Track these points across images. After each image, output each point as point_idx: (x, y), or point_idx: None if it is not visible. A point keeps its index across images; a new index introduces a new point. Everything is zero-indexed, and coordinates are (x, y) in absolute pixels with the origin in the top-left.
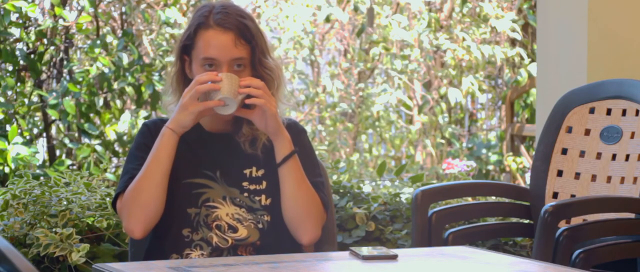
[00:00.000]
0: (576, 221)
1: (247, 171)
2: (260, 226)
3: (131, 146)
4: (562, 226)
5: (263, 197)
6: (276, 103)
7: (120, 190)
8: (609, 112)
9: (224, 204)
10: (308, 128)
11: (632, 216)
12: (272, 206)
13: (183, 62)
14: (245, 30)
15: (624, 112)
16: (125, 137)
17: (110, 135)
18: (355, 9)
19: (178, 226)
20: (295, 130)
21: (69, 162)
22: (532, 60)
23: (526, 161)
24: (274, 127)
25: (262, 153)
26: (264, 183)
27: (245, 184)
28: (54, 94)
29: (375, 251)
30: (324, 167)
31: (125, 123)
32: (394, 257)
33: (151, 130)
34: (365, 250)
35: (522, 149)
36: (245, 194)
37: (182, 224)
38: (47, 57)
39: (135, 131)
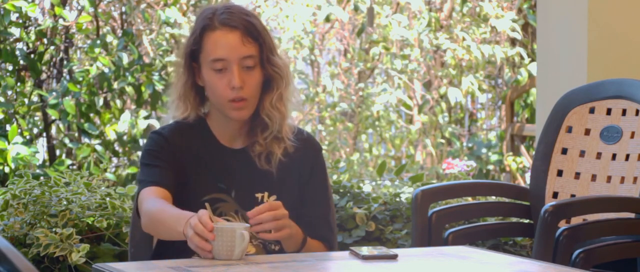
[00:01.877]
0: (576, 220)
1: (259, 195)
2: (269, 248)
3: (145, 154)
4: (562, 225)
5: None
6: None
7: (147, 176)
8: (609, 112)
9: (236, 218)
10: (308, 128)
11: (632, 216)
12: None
13: (193, 70)
14: (251, 28)
15: (624, 112)
16: (125, 137)
17: (110, 135)
18: (356, 9)
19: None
20: (312, 148)
21: (69, 162)
22: (532, 60)
23: (526, 160)
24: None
25: (278, 172)
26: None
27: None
28: (54, 93)
29: (375, 250)
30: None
31: (125, 123)
32: (394, 257)
33: (167, 138)
34: (365, 250)
35: (522, 148)
36: None
37: None
38: (47, 57)
39: (135, 131)
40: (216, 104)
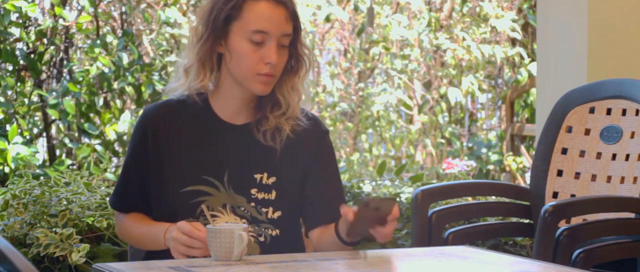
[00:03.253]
0: (576, 220)
1: (257, 176)
2: (261, 239)
3: (130, 140)
4: (562, 225)
5: (271, 209)
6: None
7: (117, 199)
8: (609, 112)
9: (224, 213)
10: None
11: (632, 215)
12: (280, 220)
13: (219, 36)
14: (294, 7)
15: (624, 112)
16: (125, 137)
17: (110, 135)
18: (356, 9)
19: None
20: (319, 130)
21: (69, 162)
22: (532, 60)
23: (526, 160)
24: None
25: (281, 150)
26: (274, 193)
27: (253, 191)
28: (54, 93)
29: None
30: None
31: (125, 123)
32: (394, 200)
33: (148, 130)
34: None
35: (522, 148)
36: (253, 204)
37: None
38: (47, 57)
39: None
40: (239, 74)
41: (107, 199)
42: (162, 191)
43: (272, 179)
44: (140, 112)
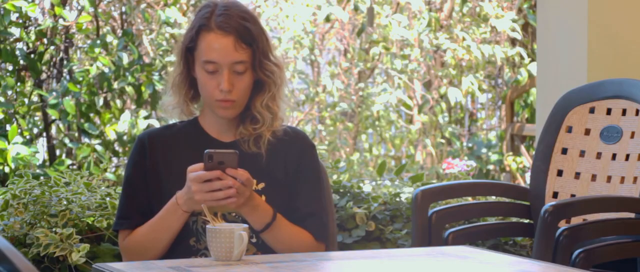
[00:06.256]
0: (576, 220)
1: None
2: (253, 240)
3: (127, 163)
4: (562, 225)
5: None
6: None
7: (122, 219)
8: (609, 112)
9: (215, 219)
10: (308, 128)
11: (632, 215)
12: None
13: (188, 62)
14: (246, 33)
15: (624, 112)
16: (125, 137)
17: (110, 135)
18: (356, 9)
19: (184, 237)
20: (303, 142)
21: (69, 162)
22: (532, 60)
23: (526, 160)
24: (244, 209)
25: (267, 155)
26: (264, 198)
27: None
28: (54, 93)
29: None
30: (325, 168)
31: (125, 123)
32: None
33: (146, 146)
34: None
35: (522, 148)
36: None
37: (187, 234)
38: (47, 57)
39: (135, 131)
40: (204, 99)
41: (107, 199)
42: (160, 203)
43: (262, 185)
44: (140, 112)
